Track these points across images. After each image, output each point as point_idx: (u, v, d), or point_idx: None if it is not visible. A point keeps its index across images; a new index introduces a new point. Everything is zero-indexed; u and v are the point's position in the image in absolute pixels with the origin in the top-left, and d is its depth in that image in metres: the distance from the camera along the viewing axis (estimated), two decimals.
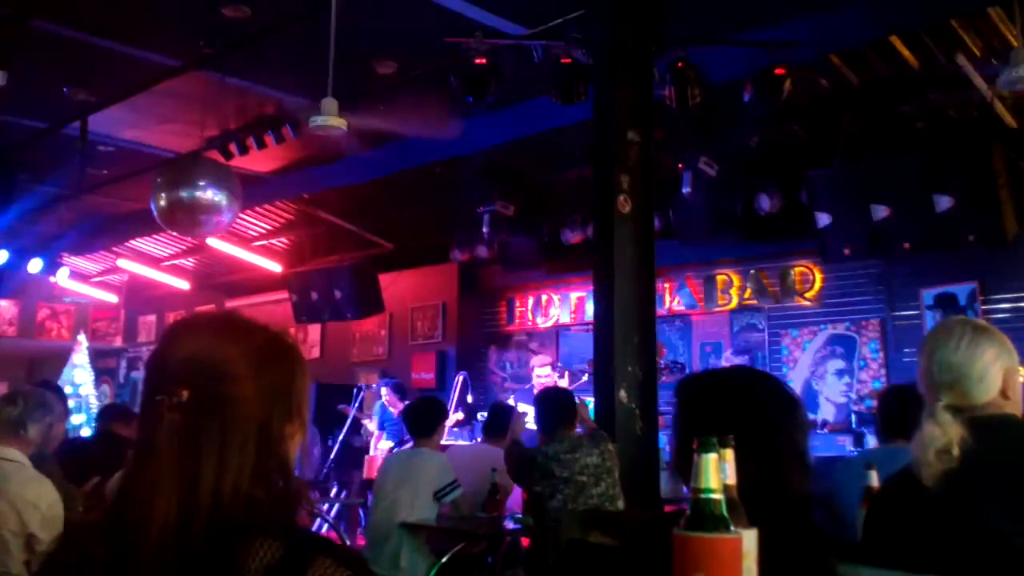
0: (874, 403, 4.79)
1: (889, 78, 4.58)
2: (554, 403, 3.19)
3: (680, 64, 4.04)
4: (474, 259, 6.80)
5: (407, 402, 5.87)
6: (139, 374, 10.44)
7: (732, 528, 0.91)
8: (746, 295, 6.12)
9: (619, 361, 3.22)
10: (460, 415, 5.86)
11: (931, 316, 5.29)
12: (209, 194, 4.54)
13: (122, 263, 8.98)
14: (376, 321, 8.01)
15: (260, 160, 6.18)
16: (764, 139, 5.41)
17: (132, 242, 8.60)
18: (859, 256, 5.04)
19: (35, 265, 7.48)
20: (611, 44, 3.53)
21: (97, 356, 10.17)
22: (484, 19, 4.27)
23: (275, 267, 8.34)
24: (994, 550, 1.19)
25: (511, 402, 4.93)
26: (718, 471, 0.92)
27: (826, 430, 5.30)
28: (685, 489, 0.99)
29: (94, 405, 8.52)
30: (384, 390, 6.17)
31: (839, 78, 4.66)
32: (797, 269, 5.92)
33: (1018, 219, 4.50)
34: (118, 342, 10.69)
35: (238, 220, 6.69)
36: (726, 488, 0.93)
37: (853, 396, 5.54)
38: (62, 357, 9.59)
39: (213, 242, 7.58)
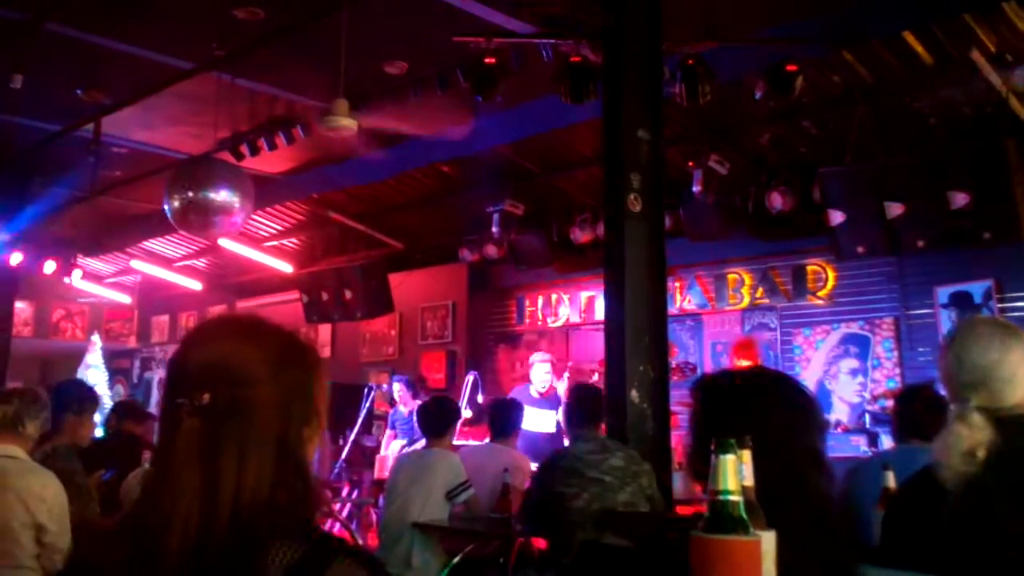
0: (888, 403, 4.75)
1: (902, 74, 4.54)
2: (585, 401, 3.15)
3: (691, 61, 4.02)
4: (484, 258, 6.80)
5: (419, 400, 5.90)
6: (152, 374, 10.53)
7: (751, 530, 0.90)
8: (758, 294, 6.08)
9: (630, 361, 3.21)
10: (469, 414, 5.86)
11: (946, 314, 5.24)
12: (223, 195, 4.56)
13: (135, 264, 9.06)
14: (386, 321, 8.03)
15: (271, 161, 6.21)
16: (776, 136, 5.38)
17: (145, 243, 8.67)
18: (873, 254, 5.00)
19: (50, 266, 7.56)
20: (621, 42, 3.51)
21: (111, 356, 10.27)
22: (493, 18, 4.27)
23: (286, 267, 8.38)
24: (1017, 555, 1.17)
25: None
26: (736, 472, 0.91)
27: (839, 430, 5.25)
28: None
29: (108, 405, 8.59)
30: (397, 386, 6.18)
31: (851, 74, 4.62)
32: (810, 267, 5.87)
33: None
34: (132, 342, 10.78)
35: (249, 221, 6.72)
36: (744, 490, 0.93)
37: (867, 396, 5.49)
38: (76, 357, 9.69)
39: (225, 243, 7.62)
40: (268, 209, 7.55)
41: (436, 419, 3.63)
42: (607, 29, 3.61)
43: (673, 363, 4.86)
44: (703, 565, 0.90)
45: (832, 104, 4.92)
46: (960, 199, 4.42)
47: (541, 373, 5.23)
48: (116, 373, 10.36)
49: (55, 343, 10.26)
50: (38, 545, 2.33)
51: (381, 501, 4.05)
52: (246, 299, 9.32)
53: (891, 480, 1.89)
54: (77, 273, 7.99)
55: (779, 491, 1.05)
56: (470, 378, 6.07)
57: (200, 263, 9.26)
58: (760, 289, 6.06)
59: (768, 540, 0.94)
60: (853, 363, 5.63)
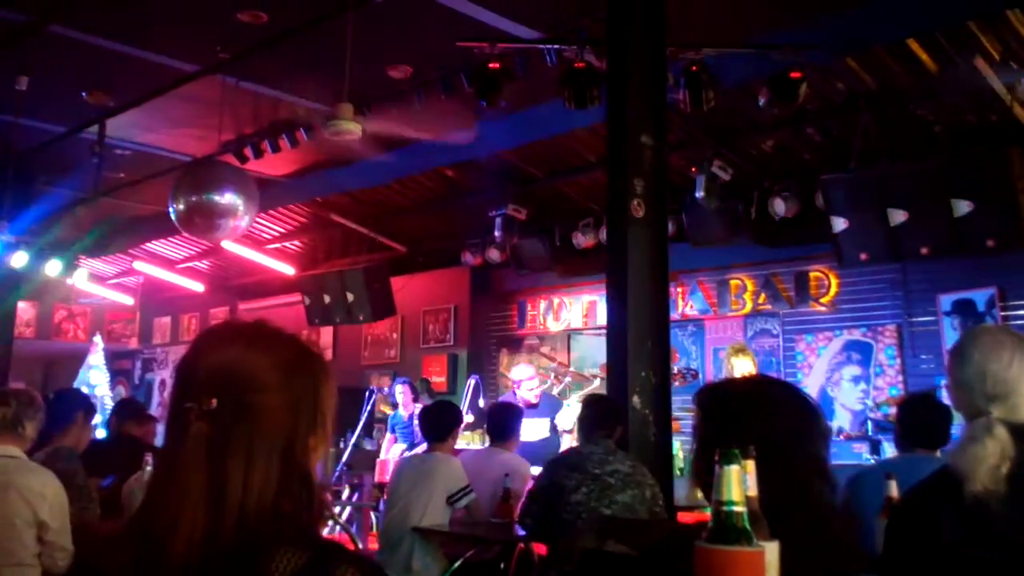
0: (891, 410, 4.74)
1: (906, 81, 4.54)
2: (598, 410, 3.16)
3: (694, 67, 4.02)
4: (486, 262, 6.80)
5: (419, 403, 5.88)
6: (154, 375, 10.53)
7: (754, 541, 0.90)
8: (760, 300, 6.07)
9: (632, 366, 3.21)
10: (471, 418, 5.85)
11: (949, 322, 5.22)
12: (228, 198, 4.57)
13: (138, 265, 9.07)
14: (388, 324, 8.03)
15: (274, 164, 6.23)
16: (779, 143, 5.38)
17: (148, 244, 8.69)
18: (876, 261, 4.99)
19: (53, 267, 7.57)
20: (625, 48, 3.52)
21: (113, 357, 10.27)
22: (498, 23, 4.28)
23: (288, 270, 8.39)
24: None
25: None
26: (740, 483, 0.91)
27: (842, 437, 5.23)
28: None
29: (109, 406, 8.60)
30: (400, 387, 6.17)
31: (855, 81, 4.62)
32: (812, 274, 5.86)
33: None
34: (133, 344, 10.79)
35: (252, 223, 6.74)
36: (748, 500, 0.92)
37: (869, 403, 5.48)
38: (78, 358, 9.70)
39: (227, 245, 7.64)
40: (271, 211, 7.56)
41: (437, 423, 3.62)
42: (611, 34, 3.62)
43: (675, 369, 4.84)
44: (707, 575, 0.89)
45: (836, 111, 4.92)
46: (964, 206, 4.41)
47: (527, 390, 5.16)
48: (117, 374, 10.36)
49: (57, 344, 10.28)
50: (39, 543, 2.35)
51: (381, 505, 4.04)
52: (248, 301, 9.32)
53: (894, 489, 1.88)
54: (80, 273, 8.00)
55: (782, 500, 1.05)
56: (472, 382, 6.06)
57: (202, 265, 9.27)
58: (763, 295, 6.05)
59: (772, 551, 0.94)
60: (855, 370, 5.61)
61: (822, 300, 5.83)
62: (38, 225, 7.03)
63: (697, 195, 5.25)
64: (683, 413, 4.58)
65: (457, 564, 3.26)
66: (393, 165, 6.21)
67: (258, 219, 7.40)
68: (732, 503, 0.90)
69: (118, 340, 10.68)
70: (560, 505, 2.83)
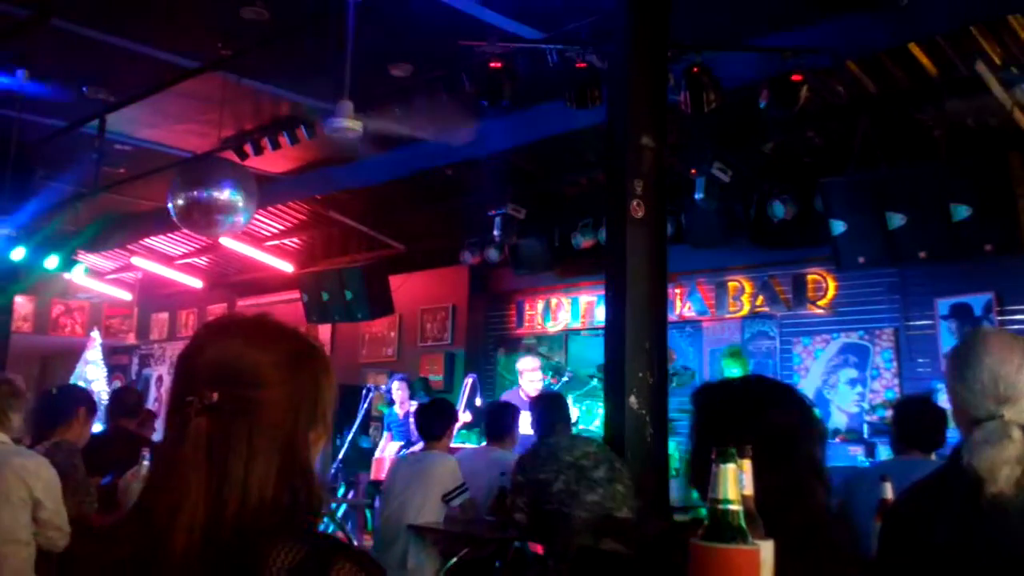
0: (887, 413, 4.75)
1: (907, 85, 4.54)
2: (549, 404, 3.19)
3: (696, 69, 4.03)
4: (485, 262, 6.80)
5: (414, 401, 5.89)
6: (151, 371, 10.52)
7: (750, 539, 0.90)
8: (758, 302, 6.08)
9: (630, 367, 3.20)
10: (468, 417, 5.86)
11: (946, 326, 5.24)
12: (227, 194, 4.57)
13: (136, 261, 9.06)
14: (386, 322, 8.03)
15: (274, 161, 6.23)
16: (779, 145, 5.38)
17: (146, 240, 8.68)
18: (874, 264, 5.00)
19: (52, 262, 7.56)
20: (626, 49, 3.52)
21: (110, 353, 10.26)
22: (500, 23, 4.28)
23: (287, 267, 8.38)
24: None
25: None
26: (736, 482, 0.91)
27: (838, 440, 5.25)
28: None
29: (106, 401, 8.58)
30: (396, 383, 6.18)
31: (856, 85, 4.63)
32: (810, 276, 5.88)
33: None
34: (131, 339, 10.78)
35: (251, 220, 6.73)
36: (744, 499, 0.93)
37: (866, 406, 5.49)
38: (75, 353, 9.69)
39: (226, 241, 7.63)
40: (270, 208, 7.56)
41: (434, 421, 3.63)
42: (613, 35, 3.62)
43: (671, 369, 4.85)
44: (702, 573, 0.90)
45: (836, 114, 4.93)
46: (963, 211, 4.42)
47: (528, 382, 5.19)
48: (115, 369, 10.35)
49: (54, 339, 10.27)
50: (35, 522, 2.38)
51: (377, 503, 4.04)
52: (246, 298, 9.32)
53: (889, 491, 1.89)
54: (79, 269, 7.99)
55: (778, 500, 1.05)
56: (469, 381, 6.07)
57: (201, 261, 9.26)
58: (760, 297, 6.06)
59: (767, 549, 0.95)
60: (852, 373, 5.62)
61: (819, 303, 5.84)
62: (37, 220, 7.02)
63: (696, 196, 5.26)
64: (679, 415, 4.59)
65: (452, 562, 3.26)
66: (392, 163, 6.21)
67: (257, 216, 7.39)
68: (728, 501, 0.90)
69: (115, 335, 10.67)
70: (543, 498, 2.85)
